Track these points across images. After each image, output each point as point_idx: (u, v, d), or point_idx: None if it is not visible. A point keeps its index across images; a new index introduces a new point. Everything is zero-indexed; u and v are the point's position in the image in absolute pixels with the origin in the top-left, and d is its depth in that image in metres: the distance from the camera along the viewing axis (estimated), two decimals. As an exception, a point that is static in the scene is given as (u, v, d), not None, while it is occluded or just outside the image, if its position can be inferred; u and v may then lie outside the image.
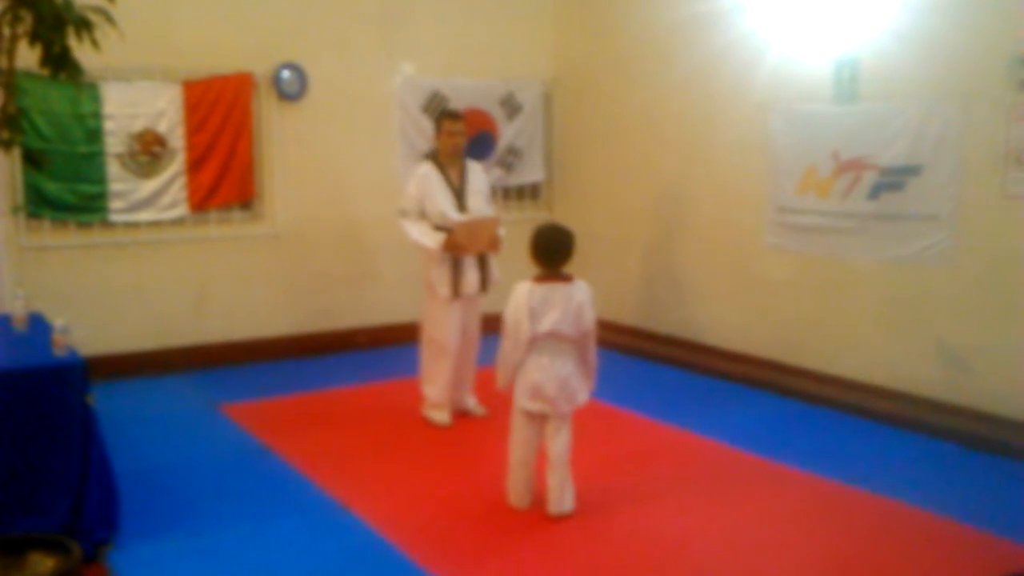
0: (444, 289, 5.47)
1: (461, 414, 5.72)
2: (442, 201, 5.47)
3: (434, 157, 5.62)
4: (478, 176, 5.69)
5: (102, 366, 5.81)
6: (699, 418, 5.67)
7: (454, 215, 5.46)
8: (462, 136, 5.57)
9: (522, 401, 4.25)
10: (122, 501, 3.96)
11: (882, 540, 4.00)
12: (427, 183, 5.49)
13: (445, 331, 5.53)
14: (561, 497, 4.25)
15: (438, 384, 5.61)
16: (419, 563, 3.79)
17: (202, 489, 4.64)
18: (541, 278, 4.21)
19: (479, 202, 5.59)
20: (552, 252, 4.23)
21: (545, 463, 4.30)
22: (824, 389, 6.05)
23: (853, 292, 6.01)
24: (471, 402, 5.80)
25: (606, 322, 7.98)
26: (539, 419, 4.28)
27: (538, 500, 4.33)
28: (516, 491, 4.36)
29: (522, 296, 4.16)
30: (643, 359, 7.27)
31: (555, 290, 4.17)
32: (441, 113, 5.76)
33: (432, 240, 5.41)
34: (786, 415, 5.86)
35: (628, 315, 7.79)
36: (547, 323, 4.13)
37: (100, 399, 3.95)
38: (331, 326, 7.51)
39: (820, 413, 5.83)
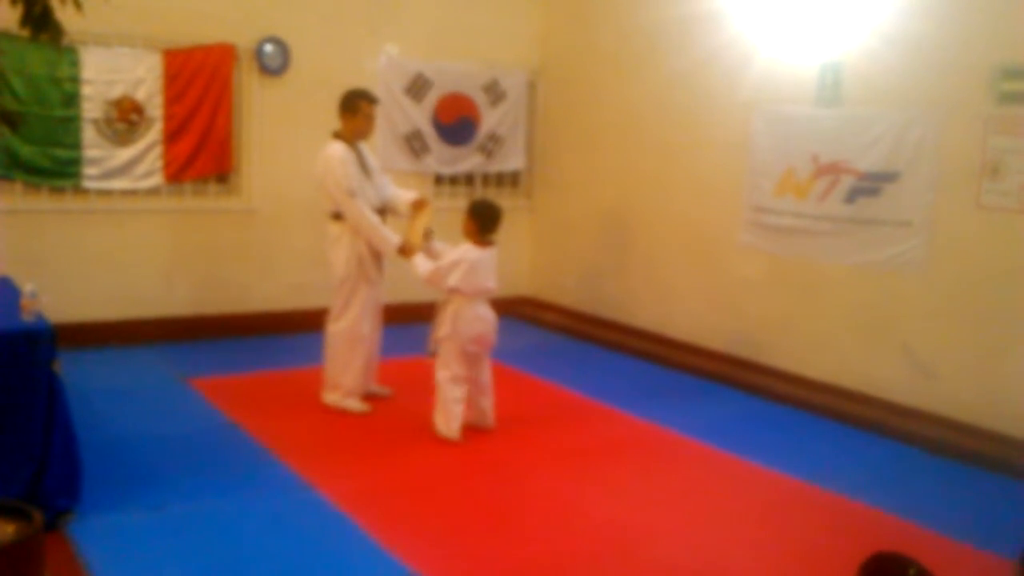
0: (371, 272, 5.44)
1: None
2: (362, 183, 5.38)
3: (343, 137, 5.42)
4: (370, 156, 5.59)
5: (70, 334, 5.73)
6: (668, 412, 5.70)
7: (372, 197, 5.41)
8: (375, 121, 5.54)
9: (468, 346, 5.05)
10: (85, 472, 3.91)
11: (842, 539, 4.05)
12: (352, 165, 5.36)
13: (363, 318, 5.49)
14: (491, 415, 5.23)
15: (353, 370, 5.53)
16: (382, 543, 3.79)
17: (167, 463, 4.60)
18: (484, 243, 5.04)
19: (383, 181, 5.58)
20: (493, 221, 5.07)
21: (476, 392, 5.16)
22: (793, 389, 6.11)
23: (825, 294, 6.06)
24: (375, 387, 5.79)
25: (579, 313, 8.05)
26: (474, 357, 5.09)
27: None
28: (458, 425, 5.05)
29: (472, 254, 4.98)
30: (615, 351, 7.30)
31: (491, 256, 5.06)
32: (361, 94, 5.44)
33: (391, 239, 5.28)
34: (754, 413, 5.91)
35: (602, 307, 7.81)
36: (489, 283, 5.05)
37: (67, 367, 3.91)
38: (304, 304, 7.45)
39: (788, 413, 5.89)
